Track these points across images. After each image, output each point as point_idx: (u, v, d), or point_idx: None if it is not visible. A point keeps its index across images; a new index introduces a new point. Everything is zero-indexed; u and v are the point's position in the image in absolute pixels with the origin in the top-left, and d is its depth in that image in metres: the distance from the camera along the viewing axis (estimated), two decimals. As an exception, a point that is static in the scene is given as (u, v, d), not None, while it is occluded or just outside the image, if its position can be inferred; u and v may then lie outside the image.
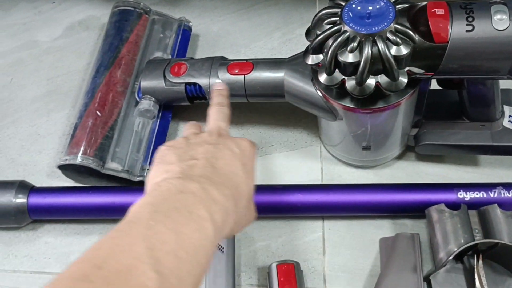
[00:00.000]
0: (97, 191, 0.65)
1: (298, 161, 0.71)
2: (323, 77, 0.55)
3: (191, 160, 0.43)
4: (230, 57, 0.70)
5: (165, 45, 0.77)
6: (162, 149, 0.47)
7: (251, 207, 0.48)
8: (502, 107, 0.65)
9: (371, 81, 0.53)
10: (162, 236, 0.33)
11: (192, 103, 0.70)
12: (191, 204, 0.37)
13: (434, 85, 0.62)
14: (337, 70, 0.54)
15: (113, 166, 0.64)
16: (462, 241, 0.58)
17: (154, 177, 0.43)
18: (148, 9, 0.79)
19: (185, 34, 0.80)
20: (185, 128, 0.54)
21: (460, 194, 0.62)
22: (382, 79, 0.53)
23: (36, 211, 0.64)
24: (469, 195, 0.62)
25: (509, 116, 0.65)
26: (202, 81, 0.66)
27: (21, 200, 0.63)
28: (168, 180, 0.40)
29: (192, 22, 0.83)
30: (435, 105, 0.67)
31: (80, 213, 0.64)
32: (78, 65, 0.82)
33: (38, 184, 0.67)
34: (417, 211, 0.63)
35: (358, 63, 0.51)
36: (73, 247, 0.65)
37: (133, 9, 0.77)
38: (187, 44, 0.80)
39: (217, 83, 0.59)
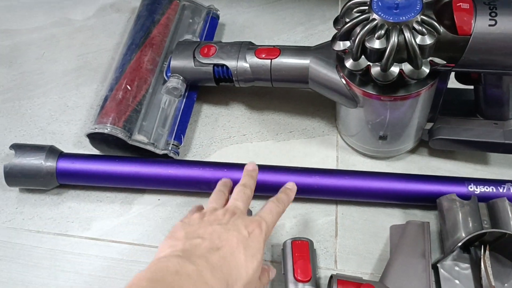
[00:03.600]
0: (123, 160, 0.67)
1: (315, 149, 0.74)
2: (349, 63, 0.58)
3: (197, 239, 0.47)
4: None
5: (194, 30, 0.80)
6: (176, 224, 0.51)
7: None
8: (516, 107, 0.68)
9: (395, 69, 0.56)
10: None
11: (218, 85, 0.73)
12: (185, 286, 0.41)
13: (450, 84, 0.65)
14: (363, 56, 0.57)
15: (139, 138, 0.67)
16: (471, 229, 0.60)
17: (161, 251, 0.47)
18: (179, -5, 0.82)
19: (213, 21, 0.83)
20: (210, 200, 0.56)
21: (471, 188, 0.65)
22: (406, 67, 0.56)
23: (64, 175, 0.67)
24: (479, 189, 0.65)
25: (522, 116, 0.68)
26: (230, 63, 0.69)
27: (50, 164, 0.66)
28: (168, 257, 0.44)
29: (219, 11, 0.86)
30: (451, 102, 0.70)
31: (105, 180, 0.67)
32: (108, 44, 0.85)
33: (65, 151, 0.69)
34: (428, 201, 0.65)
35: (384, 49, 0.54)
36: (95, 213, 0.68)
37: (165, -6, 0.81)
38: (214, 31, 0.83)
39: (250, 163, 0.61)
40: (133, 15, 0.84)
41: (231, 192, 0.58)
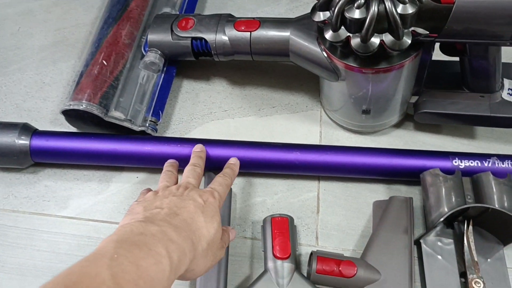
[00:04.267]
0: (99, 137, 0.65)
1: (298, 124, 0.72)
2: (328, 34, 0.56)
3: (155, 209, 0.49)
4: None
5: (173, 3, 0.77)
6: (132, 204, 0.52)
7: (215, 249, 0.51)
8: (502, 79, 0.66)
9: (376, 40, 0.54)
10: (124, 267, 0.38)
11: (197, 59, 0.71)
12: (150, 242, 0.42)
13: (436, 56, 0.63)
14: (342, 27, 0.55)
15: (116, 115, 0.65)
16: (454, 204, 0.59)
17: (122, 223, 0.48)
18: (158, -33, 0.79)
19: (194, -6, 0.81)
20: (160, 180, 0.58)
21: (455, 162, 0.63)
22: (387, 37, 0.54)
23: (38, 153, 0.65)
24: (463, 163, 0.63)
25: (509, 89, 0.66)
26: (208, 36, 0.67)
27: (23, 141, 0.64)
28: (131, 223, 0.45)
29: (201, -17, 0.84)
30: (436, 75, 0.68)
31: (81, 158, 0.65)
32: (85, 19, 0.83)
33: (41, 129, 0.67)
34: (412, 176, 0.64)
35: (364, 19, 0.52)
36: (72, 192, 0.67)
37: (143, -34, 0.78)
38: (195, 4, 0.81)
39: (197, 145, 0.64)
40: (112, -13, 0.82)
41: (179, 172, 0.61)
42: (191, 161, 0.61)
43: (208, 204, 0.51)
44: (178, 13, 0.76)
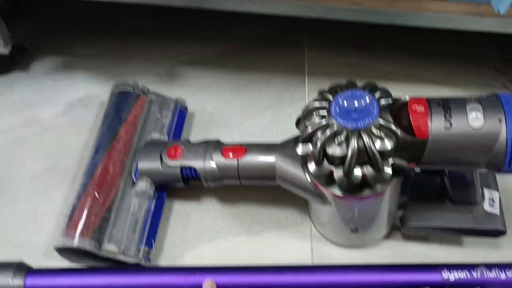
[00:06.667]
0: (94, 272, 0.66)
1: (288, 241, 0.73)
2: (312, 167, 0.59)
3: None
4: (223, 136, 0.75)
5: (162, 125, 0.80)
6: None
7: None
8: (482, 189, 0.68)
9: (358, 171, 0.56)
10: None
11: (187, 185, 0.73)
12: None
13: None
14: (325, 160, 0.58)
15: (110, 248, 0.66)
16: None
17: None
18: (146, 90, 0.83)
19: (181, 114, 0.84)
20: None
21: (445, 274, 0.64)
22: (368, 170, 0.56)
23: (33, 292, 0.65)
24: (453, 275, 0.64)
25: (489, 199, 0.68)
26: (197, 164, 0.69)
27: (18, 282, 0.64)
28: None
29: (188, 100, 0.87)
30: (420, 187, 0.70)
31: (76, 294, 0.65)
32: (77, 143, 0.84)
33: (34, 263, 0.67)
34: (404, 291, 0.65)
35: (345, 155, 0.55)
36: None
37: (132, 90, 0.81)
38: (182, 124, 0.84)
39: (206, 283, 0.63)
40: (101, 110, 0.84)
41: None
42: None
43: None
44: (166, 136, 0.79)
